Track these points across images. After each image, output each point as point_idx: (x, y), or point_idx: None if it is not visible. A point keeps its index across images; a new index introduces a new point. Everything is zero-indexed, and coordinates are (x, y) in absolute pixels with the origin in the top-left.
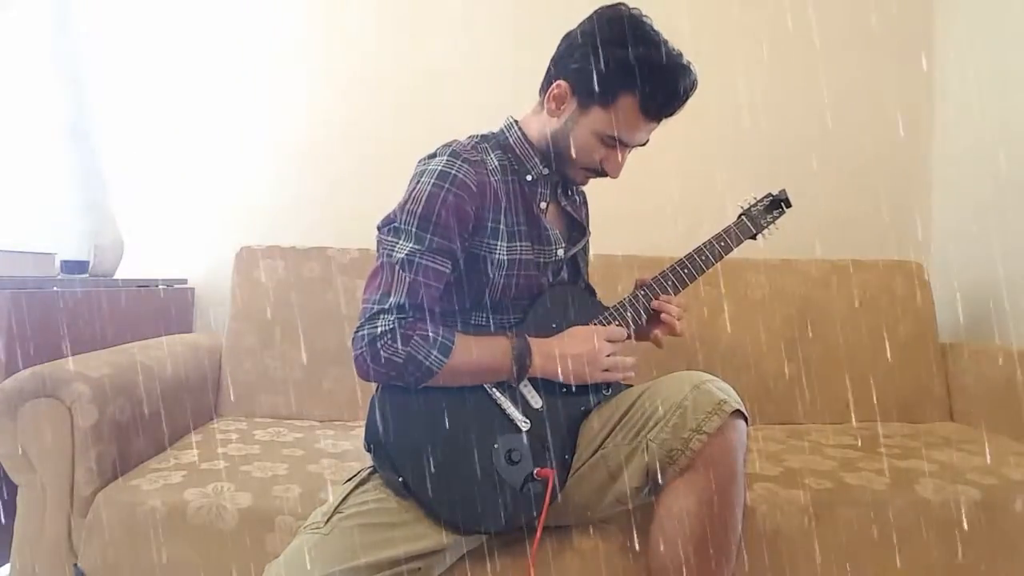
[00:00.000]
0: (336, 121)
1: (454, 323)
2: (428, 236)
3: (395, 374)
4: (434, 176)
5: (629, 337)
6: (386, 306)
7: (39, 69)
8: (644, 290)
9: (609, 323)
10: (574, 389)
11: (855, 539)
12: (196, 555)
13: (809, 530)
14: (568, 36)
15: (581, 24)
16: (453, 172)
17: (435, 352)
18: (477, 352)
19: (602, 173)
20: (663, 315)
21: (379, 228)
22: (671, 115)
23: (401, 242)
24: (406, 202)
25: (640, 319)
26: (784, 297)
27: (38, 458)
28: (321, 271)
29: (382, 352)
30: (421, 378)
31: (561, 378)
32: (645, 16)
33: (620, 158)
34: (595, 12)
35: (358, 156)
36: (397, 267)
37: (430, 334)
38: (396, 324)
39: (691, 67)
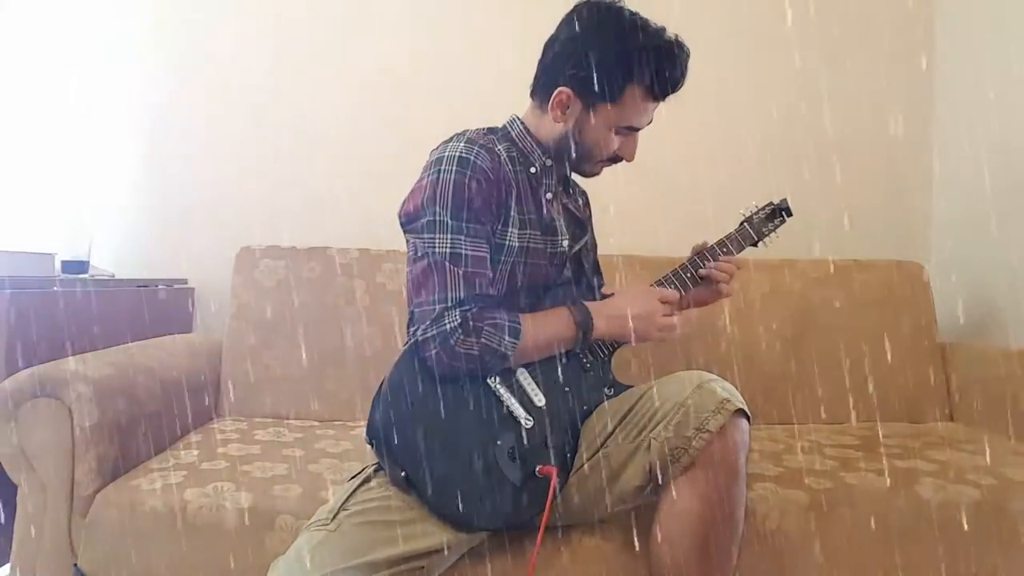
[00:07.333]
0: (336, 121)
1: None
2: (464, 224)
3: (473, 366)
4: (455, 163)
5: (680, 300)
6: (449, 304)
7: (40, 65)
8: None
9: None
10: (576, 388)
11: (855, 539)
12: (196, 555)
13: (809, 530)
14: (554, 42)
15: (562, 28)
16: (472, 158)
17: (507, 337)
18: (543, 328)
19: (617, 160)
20: (712, 272)
21: (405, 225)
22: (677, 91)
23: (439, 235)
24: (434, 193)
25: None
26: (784, 297)
27: (38, 458)
28: (321, 271)
29: (458, 348)
30: (498, 364)
31: (623, 338)
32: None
33: (634, 142)
34: (572, 12)
35: (358, 156)
36: (447, 263)
37: (498, 320)
38: (463, 318)
39: (679, 39)
